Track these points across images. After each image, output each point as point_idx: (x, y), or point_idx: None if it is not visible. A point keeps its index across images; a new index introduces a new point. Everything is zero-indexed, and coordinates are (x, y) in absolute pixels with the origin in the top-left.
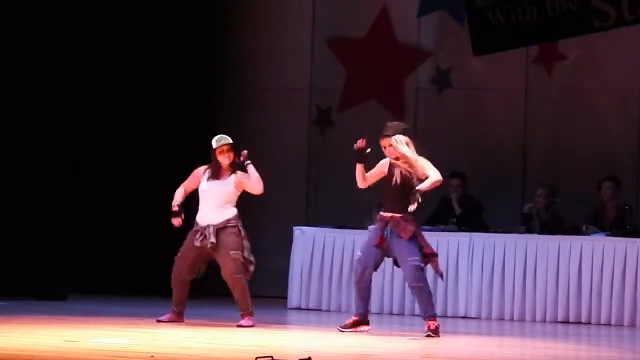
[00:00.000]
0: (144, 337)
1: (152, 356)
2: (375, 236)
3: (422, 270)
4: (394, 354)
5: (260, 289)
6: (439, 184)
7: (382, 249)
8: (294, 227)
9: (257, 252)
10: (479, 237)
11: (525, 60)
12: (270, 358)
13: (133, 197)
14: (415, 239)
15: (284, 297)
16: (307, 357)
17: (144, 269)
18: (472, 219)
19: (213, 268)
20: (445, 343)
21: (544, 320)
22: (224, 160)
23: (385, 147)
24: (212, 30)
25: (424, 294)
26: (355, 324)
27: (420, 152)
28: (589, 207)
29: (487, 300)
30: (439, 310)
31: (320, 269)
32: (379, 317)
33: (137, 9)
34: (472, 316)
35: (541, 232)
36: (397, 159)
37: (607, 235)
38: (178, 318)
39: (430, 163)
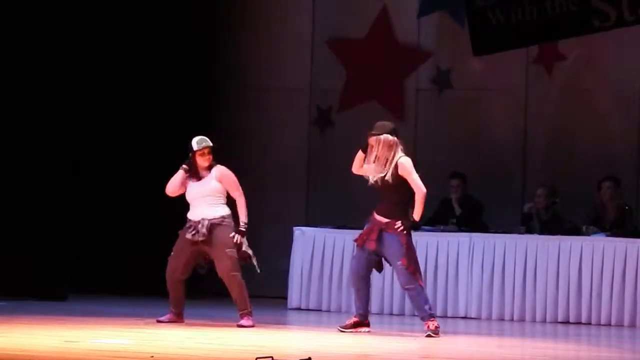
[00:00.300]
0: (144, 337)
1: (152, 356)
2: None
3: (412, 272)
4: (394, 354)
5: (260, 289)
6: (424, 197)
7: (366, 248)
8: (294, 228)
9: (257, 252)
10: (479, 238)
11: (525, 61)
12: (271, 358)
13: (133, 197)
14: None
15: (284, 297)
16: (307, 357)
17: (144, 269)
18: (472, 219)
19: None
20: (445, 343)
21: (544, 321)
22: (204, 162)
23: (372, 145)
24: (212, 30)
25: (419, 296)
26: (355, 325)
27: (406, 152)
28: (589, 207)
29: (487, 300)
30: (439, 310)
31: (321, 269)
32: (379, 318)
33: (137, 9)
34: (472, 316)
35: (541, 233)
36: (378, 157)
37: (607, 235)
38: (178, 318)
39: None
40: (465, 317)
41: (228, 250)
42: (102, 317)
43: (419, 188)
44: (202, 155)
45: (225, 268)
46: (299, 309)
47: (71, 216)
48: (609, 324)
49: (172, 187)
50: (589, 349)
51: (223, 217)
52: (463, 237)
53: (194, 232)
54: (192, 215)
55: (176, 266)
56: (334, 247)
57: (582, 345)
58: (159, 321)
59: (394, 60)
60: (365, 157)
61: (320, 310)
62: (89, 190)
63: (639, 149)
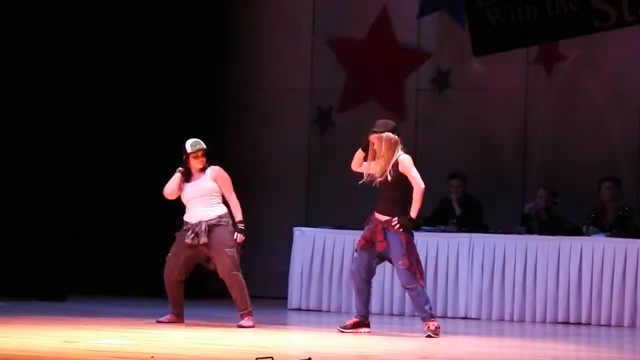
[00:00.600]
0: (144, 337)
1: (152, 357)
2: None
3: (413, 272)
4: (394, 355)
5: (260, 289)
6: (422, 193)
7: (377, 250)
8: (294, 228)
9: (257, 253)
10: (479, 238)
11: (525, 61)
12: (271, 359)
13: (133, 197)
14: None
15: (284, 297)
16: (307, 357)
17: (144, 269)
18: (472, 220)
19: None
20: (445, 343)
21: (544, 321)
22: (197, 164)
23: (373, 143)
24: (212, 31)
25: (420, 296)
26: (355, 325)
27: (406, 151)
28: (589, 208)
29: (487, 300)
30: (439, 310)
31: (321, 269)
32: (379, 318)
33: (136, 9)
34: (472, 317)
35: (541, 233)
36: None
37: (607, 235)
38: (178, 319)
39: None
40: (465, 318)
41: (227, 249)
42: (102, 318)
43: (418, 184)
44: (196, 157)
45: (226, 268)
46: (299, 309)
47: (71, 216)
48: (609, 325)
49: (170, 190)
50: (589, 349)
51: (220, 216)
52: (463, 238)
53: (193, 236)
54: (189, 217)
55: (174, 267)
56: (334, 247)
57: (582, 345)
58: (158, 322)
59: (394, 61)
60: (365, 155)
61: (320, 310)
62: (88, 190)
63: (639, 149)
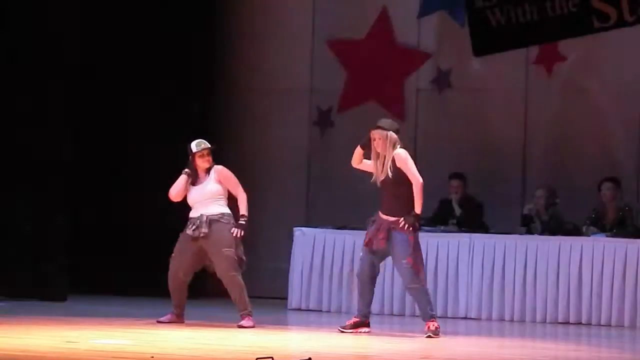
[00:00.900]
0: (144, 337)
1: (152, 357)
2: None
3: (417, 271)
4: (394, 355)
5: (260, 289)
6: (422, 188)
7: (373, 248)
8: (295, 228)
9: (257, 253)
10: (479, 238)
11: (525, 61)
12: (271, 359)
13: (133, 197)
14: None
15: (284, 297)
16: (307, 357)
17: (145, 269)
18: (472, 220)
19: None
20: (446, 344)
21: (544, 321)
22: (204, 164)
23: (374, 139)
24: (212, 31)
25: (422, 295)
26: (355, 325)
27: (402, 145)
28: (589, 208)
29: (487, 301)
30: (439, 311)
31: (321, 269)
32: (380, 318)
33: (136, 10)
34: (473, 317)
35: (541, 233)
36: (379, 154)
37: (608, 236)
38: (178, 319)
39: (413, 164)
40: (465, 318)
41: (225, 250)
42: (102, 317)
43: (416, 179)
44: (202, 157)
45: (224, 269)
46: (299, 309)
47: (71, 216)
48: (609, 325)
49: (176, 192)
50: (589, 349)
51: (222, 213)
52: (463, 238)
53: (194, 228)
54: (193, 214)
55: (179, 266)
56: (334, 247)
57: (582, 345)
58: (159, 322)
59: (394, 61)
60: (363, 152)
61: (321, 310)
62: (89, 190)
63: (639, 149)
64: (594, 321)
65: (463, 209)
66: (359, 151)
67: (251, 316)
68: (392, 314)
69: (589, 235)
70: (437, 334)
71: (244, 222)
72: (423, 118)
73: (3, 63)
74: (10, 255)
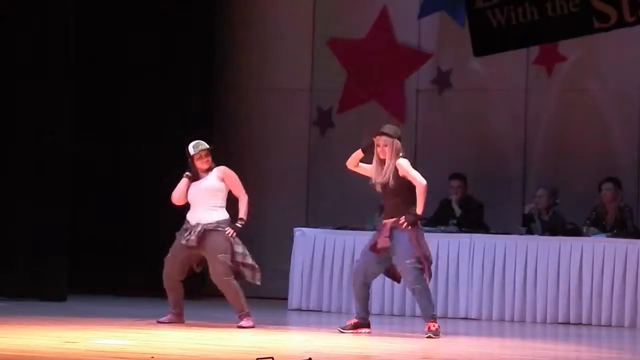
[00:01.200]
0: (144, 338)
1: (152, 357)
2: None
3: (421, 270)
4: (394, 355)
5: (260, 289)
6: (425, 190)
7: (379, 253)
8: (295, 228)
9: (257, 253)
10: (479, 239)
11: (525, 61)
12: (271, 359)
13: (133, 197)
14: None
15: (284, 298)
16: (307, 358)
17: (144, 269)
18: (473, 220)
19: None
20: (446, 344)
21: (544, 322)
22: (203, 165)
23: (379, 145)
24: (212, 31)
25: (424, 296)
26: (355, 326)
27: (405, 154)
28: (590, 208)
29: (487, 301)
30: (439, 311)
31: (321, 270)
32: (380, 318)
33: (136, 10)
34: (473, 317)
35: (542, 233)
36: (383, 160)
37: (608, 236)
38: (178, 319)
39: (412, 169)
40: (465, 318)
41: (220, 255)
42: (102, 318)
43: (419, 182)
44: (200, 158)
45: (217, 273)
46: (299, 309)
47: (71, 216)
48: (609, 325)
49: (178, 196)
50: (590, 349)
51: (218, 222)
52: (464, 238)
53: (187, 237)
54: (191, 217)
55: (172, 267)
56: (334, 247)
57: (583, 346)
58: (159, 322)
59: (394, 61)
60: (363, 156)
61: (321, 311)
62: (89, 190)
63: (638, 149)
64: (594, 321)
65: (463, 209)
66: (358, 155)
67: (250, 316)
68: (392, 314)
69: (589, 236)
70: (438, 335)
71: (240, 225)
72: (423, 118)
73: (5, 62)
74: (9, 255)
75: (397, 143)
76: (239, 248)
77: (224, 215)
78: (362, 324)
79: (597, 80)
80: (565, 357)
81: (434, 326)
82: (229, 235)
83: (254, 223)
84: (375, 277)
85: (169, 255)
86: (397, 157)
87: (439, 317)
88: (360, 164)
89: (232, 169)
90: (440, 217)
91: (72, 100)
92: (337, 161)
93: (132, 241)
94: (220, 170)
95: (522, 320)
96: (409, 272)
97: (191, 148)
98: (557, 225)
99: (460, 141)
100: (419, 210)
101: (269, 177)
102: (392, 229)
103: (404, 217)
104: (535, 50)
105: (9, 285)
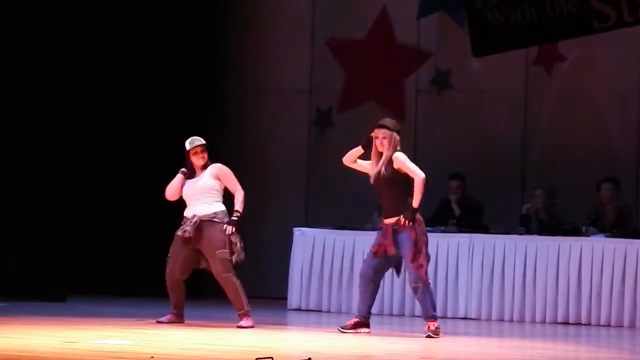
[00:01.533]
0: (144, 338)
1: (152, 357)
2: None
3: (417, 268)
4: (394, 355)
5: (260, 289)
6: (423, 183)
7: (387, 255)
8: (294, 228)
9: (257, 253)
10: (478, 238)
11: (525, 62)
12: (271, 359)
13: (133, 197)
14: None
15: (284, 298)
16: (307, 358)
17: (144, 269)
18: (472, 220)
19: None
20: (445, 344)
21: (543, 321)
22: (198, 161)
23: (378, 138)
24: (212, 31)
25: (425, 295)
26: (355, 325)
27: (402, 149)
28: (589, 208)
29: (486, 301)
30: (439, 311)
31: (320, 269)
32: (379, 318)
33: (137, 10)
34: (472, 317)
35: (540, 233)
36: (381, 154)
37: (607, 236)
38: (178, 319)
39: (410, 162)
40: (465, 318)
41: (218, 252)
42: (102, 318)
43: (417, 174)
44: (196, 154)
45: (217, 270)
46: (298, 309)
47: (71, 217)
48: (608, 325)
49: (171, 191)
50: (589, 349)
51: (215, 213)
52: (463, 238)
53: (184, 229)
54: (187, 213)
55: (174, 266)
56: (333, 247)
57: (582, 345)
58: (159, 322)
59: (394, 61)
60: (363, 152)
61: (320, 310)
62: (88, 190)
63: (638, 149)
64: (593, 321)
65: (463, 209)
66: (358, 151)
67: (250, 316)
68: (392, 314)
69: (589, 236)
70: (437, 334)
71: (236, 218)
72: (423, 118)
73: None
74: (9, 255)
75: (396, 136)
76: (236, 237)
77: (220, 207)
78: (362, 323)
79: (597, 80)
80: (564, 357)
81: (433, 325)
82: (227, 232)
83: (254, 223)
84: (382, 275)
85: (169, 255)
86: (395, 150)
87: (438, 317)
88: (358, 160)
89: (231, 169)
90: (439, 217)
91: (71, 99)
92: (337, 161)
93: (132, 241)
94: (215, 168)
95: (522, 320)
96: (409, 271)
97: (187, 143)
98: (555, 225)
99: (460, 141)
100: (416, 203)
101: (268, 176)
102: (394, 232)
103: (402, 216)
104: (534, 51)
105: (8, 286)
